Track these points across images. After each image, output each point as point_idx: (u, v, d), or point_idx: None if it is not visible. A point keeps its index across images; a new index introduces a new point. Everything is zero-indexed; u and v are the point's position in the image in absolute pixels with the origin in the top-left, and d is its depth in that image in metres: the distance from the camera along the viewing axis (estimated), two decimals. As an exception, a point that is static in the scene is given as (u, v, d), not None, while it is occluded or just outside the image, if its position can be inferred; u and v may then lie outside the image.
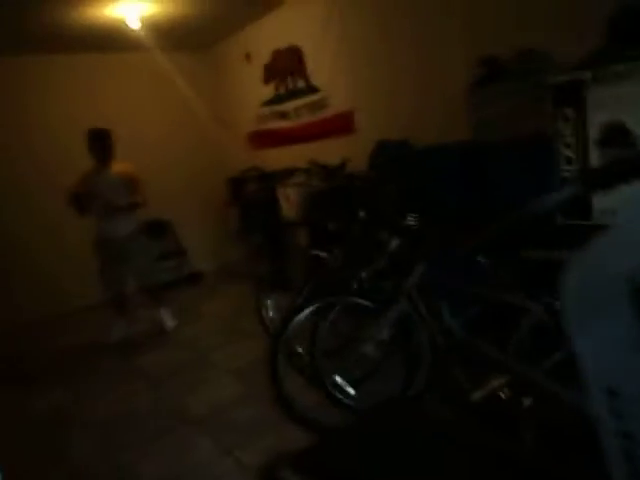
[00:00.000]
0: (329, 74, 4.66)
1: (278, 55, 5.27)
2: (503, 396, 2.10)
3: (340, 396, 2.72)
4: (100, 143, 4.13)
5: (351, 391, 2.71)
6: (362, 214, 3.30)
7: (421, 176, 3.15)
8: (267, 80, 5.51)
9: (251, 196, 5.58)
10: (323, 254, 3.52)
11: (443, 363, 2.44)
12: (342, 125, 4.63)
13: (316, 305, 2.55)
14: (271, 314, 3.78)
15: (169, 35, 5.27)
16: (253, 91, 5.77)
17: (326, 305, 2.63)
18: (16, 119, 5.31)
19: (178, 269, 6.08)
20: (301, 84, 5.06)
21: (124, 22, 4.60)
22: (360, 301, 2.59)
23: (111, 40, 5.17)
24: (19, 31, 4.52)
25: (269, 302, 3.83)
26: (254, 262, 5.65)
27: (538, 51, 3.10)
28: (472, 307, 2.37)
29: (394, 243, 2.90)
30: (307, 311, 2.52)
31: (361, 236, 3.24)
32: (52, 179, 5.41)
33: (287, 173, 4.93)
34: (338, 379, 2.73)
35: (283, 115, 5.44)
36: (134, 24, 4.62)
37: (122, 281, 4.43)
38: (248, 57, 5.69)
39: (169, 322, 4.67)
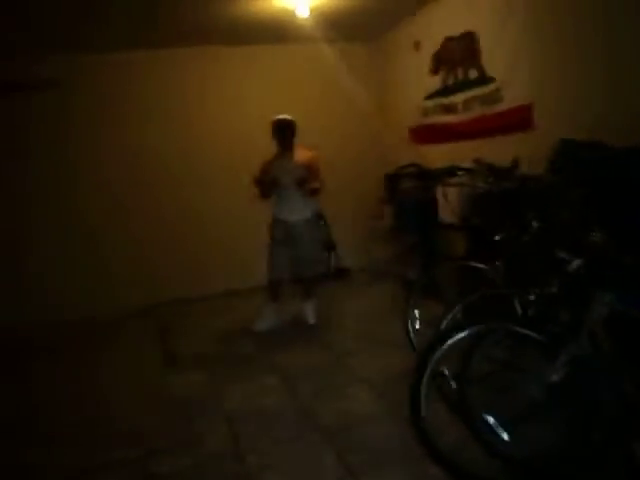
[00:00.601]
0: (507, 63, 4.11)
1: (449, 43, 4.84)
2: None
3: (489, 437, 2.31)
4: (282, 132, 4.31)
5: (503, 434, 2.29)
6: (535, 224, 2.80)
7: (618, 184, 2.57)
8: (435, 70, 5.11)
9: (408, 194, 5.26)
10: (483, 266, 3.09)
11: (633, 425, 1.91)
12: (518, 121, 4.06)
13: (473, 329, 2.16)
14: (418, 326, 3.44)
15: (336, 26, 5.15)
16: (418, 82, 5.41)
17: (485, 331, 2.22)
18: (183, 109, 5.68)
19: (327, 263, 5.99)
20: (473, 74, 4.57)
21: (293, 13, 4.56)
22: (527, 332, 2.14)
23: (278, 31, 5.21)
24: (188, 23, 4.74)
25: (417, 312, 3.49)
26: (404, 264, 5.34)
27: None
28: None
29: (574, 263, 2.39)
30: (462, 334, 2.14)
31: (531, 250, 2.75)
32: (214, 168, 5.73)
33: (449, 172, 4.50)
34: (489, 417, 2.32)
35: (449, 109, 5.00)
36: (303, 14, 4.55)
37: (285, 266, 4.46)
38: (417, 46, 5.34)
39: (312, 317, 4.58)
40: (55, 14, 4.07)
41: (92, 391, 3.66)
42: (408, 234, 5.23)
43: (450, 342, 2.15)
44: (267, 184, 4.28)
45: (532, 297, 2.49)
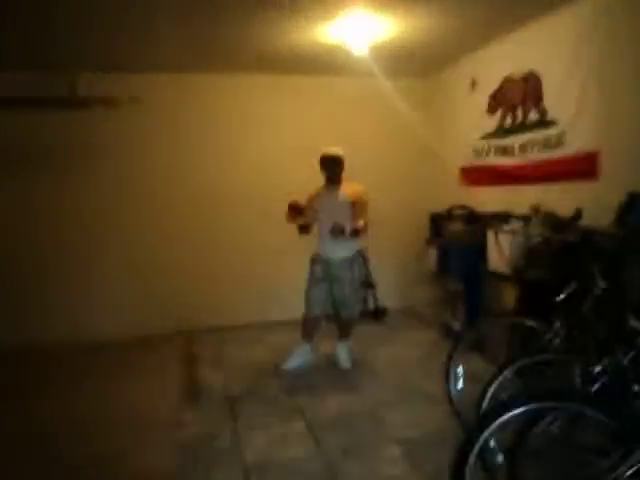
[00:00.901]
0: (573, 106, 3.85)
1: (509, 82, 4.63)
2: None
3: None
4: (330, 167, 4.22)
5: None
6: (601, 284, 2.52)
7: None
8: (492, 110, 4.88)
9: (455, 236, 4.99)
10: (538, 325, 2.79)
11: None
12: (581, 168, 3.78)
13: (531, 406, 1.87)
14: (460, 382, 3.13)
15: (392, 61, 5.04)
16: (473, 122, 5.19)
17: (545, 408, 1.93)
18: (220, 134, 5.69)
19: (365, 301, 5.73)
20: (533, 116, 4.33)
21: (349, 49, 4.46)
22: (593, 415, 1.84)
23: (331, 64, 5.14)
24: (243, 51, 4.77)
25: (460, 367, 3.19)
26: (446, 311, 5.05)
27: None
28: None
29: (648, 335, 2.11)
30: (515, 412, 1.86)
31: (596, 314, 2.45)
32: (257, 197, 5.64)
33: (501, 217, 4.25)
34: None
35: (505, 150, 4.75)
36: (361, 52, 4.44)
37: (322, 305, 4.28)
38: (473, 84, 5.15)
39: (345, 361, 4.34)
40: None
41: (106, 421, 3.49)
42: (453, 279, 4.95)
43: (503, 419, 1.86)
44: (302, 222, 4.20)
45: (597, 369, 2.19)
